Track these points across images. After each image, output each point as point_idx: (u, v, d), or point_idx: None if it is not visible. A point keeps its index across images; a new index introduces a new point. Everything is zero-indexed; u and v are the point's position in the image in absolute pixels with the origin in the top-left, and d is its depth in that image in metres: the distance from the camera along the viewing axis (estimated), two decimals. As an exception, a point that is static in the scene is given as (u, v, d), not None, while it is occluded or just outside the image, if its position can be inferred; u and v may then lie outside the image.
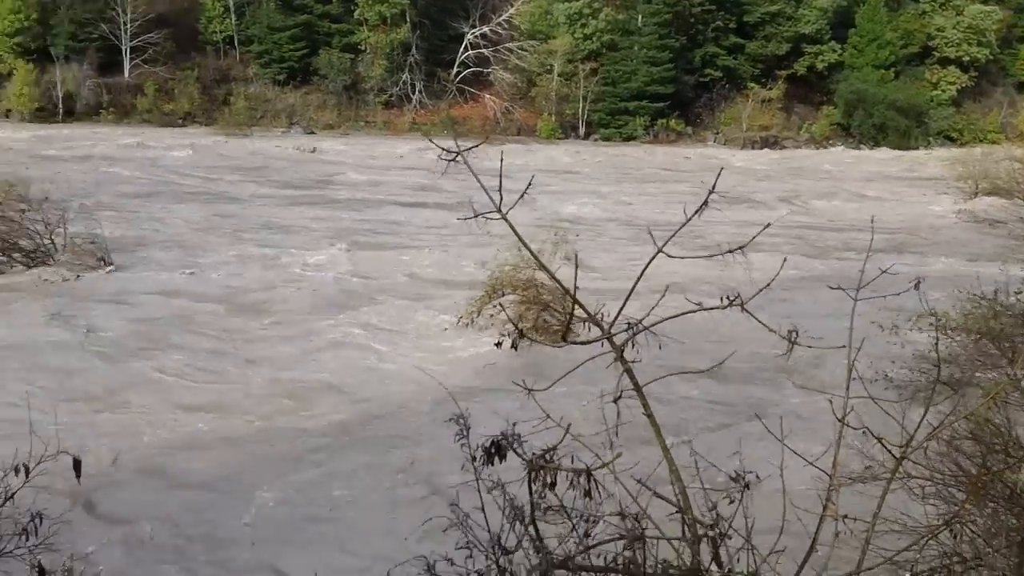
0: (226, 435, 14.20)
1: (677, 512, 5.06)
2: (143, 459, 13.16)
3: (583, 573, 4.67)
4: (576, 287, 5.12)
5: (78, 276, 22.62)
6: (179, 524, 11.48)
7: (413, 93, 63.06)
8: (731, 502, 4.60)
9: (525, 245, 5.27)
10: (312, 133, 59.40)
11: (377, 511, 11.95)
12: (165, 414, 14.84)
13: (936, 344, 6.35)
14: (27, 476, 5.54)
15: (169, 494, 12.22)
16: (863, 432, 5.69)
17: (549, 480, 4.64)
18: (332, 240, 27.63)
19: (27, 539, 5.55)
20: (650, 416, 5.13)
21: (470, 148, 5.17)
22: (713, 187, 4.76)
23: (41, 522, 5.52)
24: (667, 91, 60.61)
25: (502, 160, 4.92)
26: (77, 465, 5.93)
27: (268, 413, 15.15)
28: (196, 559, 10.84)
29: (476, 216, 5.13)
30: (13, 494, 5.64)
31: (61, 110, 59.09)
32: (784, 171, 48.35)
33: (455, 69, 63.46)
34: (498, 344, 17.02)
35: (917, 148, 60.00)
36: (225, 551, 11.12)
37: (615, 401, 4.98)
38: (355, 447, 13.95)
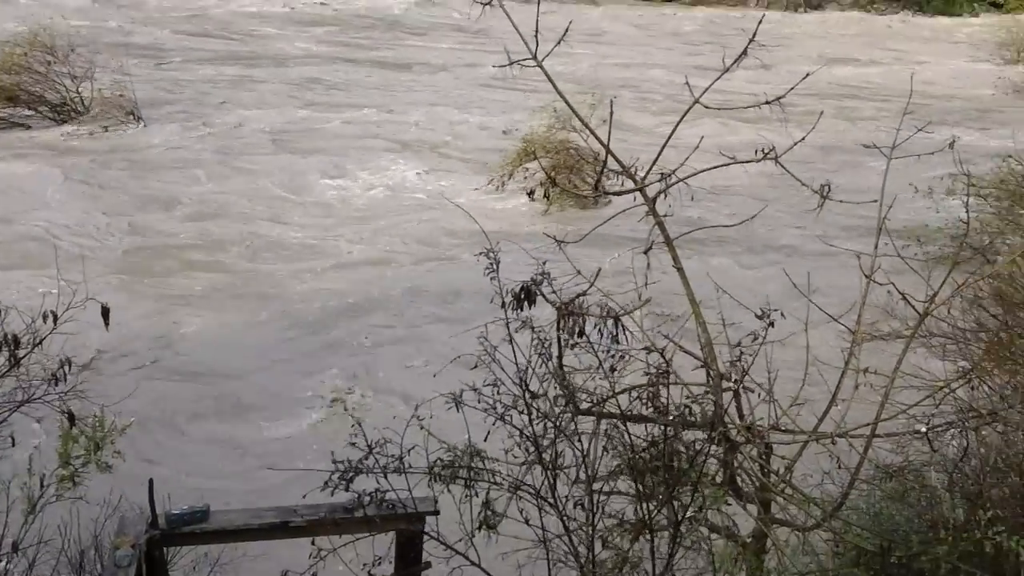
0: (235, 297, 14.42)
1: (702, 365, 5.18)
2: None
3: (608, 421, 4.82)
4: (610, 139, 5.11)
5: (105, 129, 22.39)
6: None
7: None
8: (754, 339, 4.69)
9: (558, 91, 5.24)
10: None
11: (406, 348, 12.28)
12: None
13: (967, 204, 6.30)
14: (55, 323, 5.54)
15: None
16: (888, 291, 5.74)
17: (578, 328, 4.75)
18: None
19: (56, 385, 5.62)
20: (680, 269, 5.19)
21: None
22: (753, 36, 4.70)
23: (70, 368, 5.64)
24: (708, -52, 58.44)
25: (539, 4, 4.84)
26: (106, 313, 5.96)
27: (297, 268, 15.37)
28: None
29: (511, 64, 5.10)
30: (41, 340, 5.55)
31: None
32: (822, 34, 46.85)
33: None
34: (530, 193, 16.94)
35: (962, 15, 57.83)
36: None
37: (645, 252, 5.05)
38: (381, 295, 14.20)
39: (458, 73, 31.25)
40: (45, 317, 5.56)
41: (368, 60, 32.91)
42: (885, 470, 5.94)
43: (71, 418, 5.86)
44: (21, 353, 5.48)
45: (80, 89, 22.87)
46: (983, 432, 5.90)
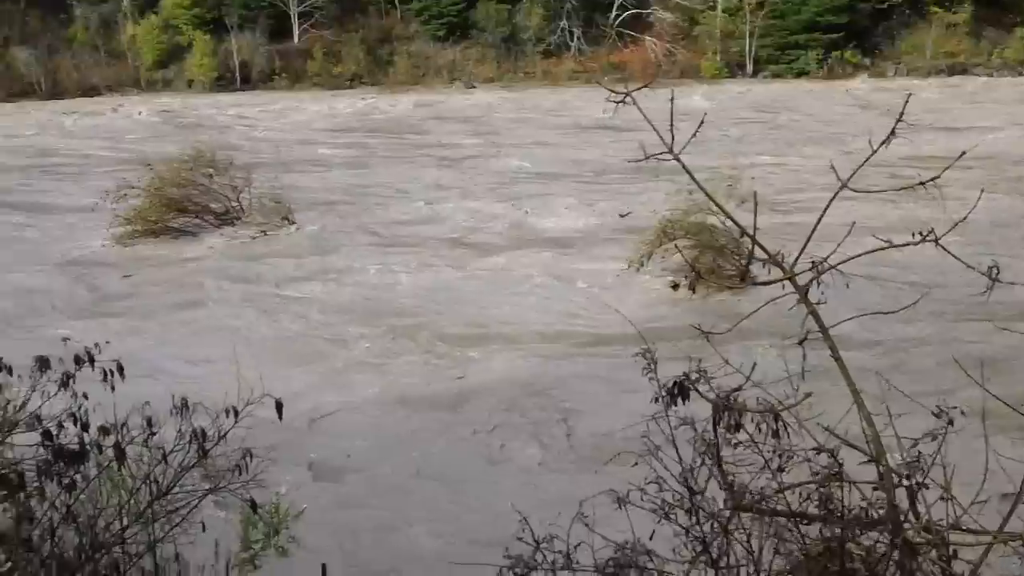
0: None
1: (869, 460, 4.85)
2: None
3: (771, 517, 4.56)
4: (756, 227, 4.95)
5: (264, 233, 24.03)
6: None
7: (571, 41, 62.55)
8: (933, 439, 4.37)
9: (698, 184, 5.13)
10: (473, 87, 59.97)
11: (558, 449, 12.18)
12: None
13: None
14: (236, 418, 5.97)
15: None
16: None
17: (734, 422, 4.56)
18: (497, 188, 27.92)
19: (239, 475, 6.07)
20: (838, 359, 4.93)
21: (639, 88, 5.07)
22: (900, 116, 4.50)
23: (251, 459, 6.06)
24: (841, 20, 57.59)
25: (672, 98, 4.79)
26: (279, 407, 6.32)
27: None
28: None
29: (647, 158, 5.03)
30: (225, 434, 6.00)
31: (238, 78, 62.07)
32: (973, 101, 45.17)
33: (613, 12, 62.46)
34: (674, 286, 16.66)
35: None
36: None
37: (800, 343, 4.81)
38: (533, 390, 14.19)
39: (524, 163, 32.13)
40: (228, 412, 5.98)
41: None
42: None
43: (253, 505, 6.38)
44: (208, 446, 5.88)
45: (240, 198, 24.72)
46: None
